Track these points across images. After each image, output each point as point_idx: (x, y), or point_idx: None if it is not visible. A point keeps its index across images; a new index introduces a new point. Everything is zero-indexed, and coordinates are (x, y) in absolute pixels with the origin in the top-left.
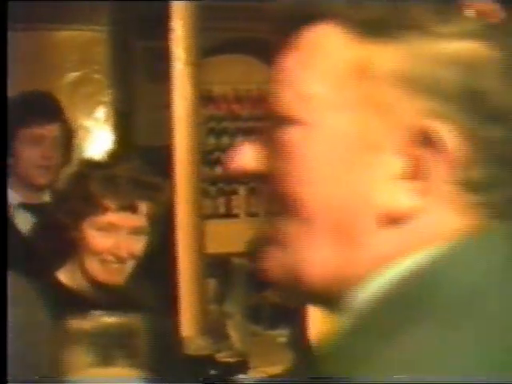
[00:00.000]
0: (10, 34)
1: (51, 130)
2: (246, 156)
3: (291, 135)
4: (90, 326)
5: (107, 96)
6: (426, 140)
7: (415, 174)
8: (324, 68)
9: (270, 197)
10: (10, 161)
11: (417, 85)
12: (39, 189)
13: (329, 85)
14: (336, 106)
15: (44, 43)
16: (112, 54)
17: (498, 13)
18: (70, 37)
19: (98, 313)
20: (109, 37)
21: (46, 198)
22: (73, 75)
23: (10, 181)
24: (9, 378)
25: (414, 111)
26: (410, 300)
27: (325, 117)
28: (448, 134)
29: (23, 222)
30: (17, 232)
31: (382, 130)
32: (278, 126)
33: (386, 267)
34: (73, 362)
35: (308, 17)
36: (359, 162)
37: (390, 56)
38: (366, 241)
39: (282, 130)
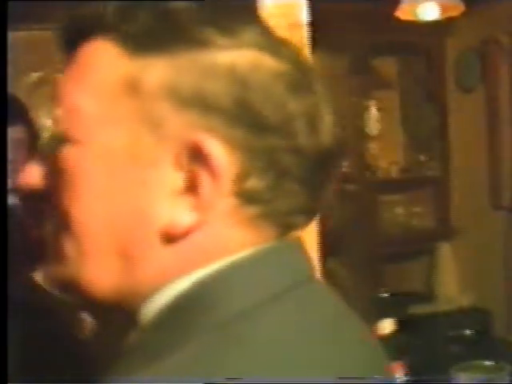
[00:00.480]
0: None
1: (15, 132)
2: (31, 173)
3: (65, 152)
4: None
5: None
6: (196, 154)
7: (190, 188)
8: (94, 84)
9: (51, 214)
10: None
11: (184, 98)
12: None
13: (99, 101)
14: (107, 122)
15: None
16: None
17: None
18: (28, 36)
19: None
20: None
21: (13, 200)
22: (34, 76)
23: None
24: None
25: (182, 125)
26: (183, 321)
27: (96, 133)
28: (216, 147)
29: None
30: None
31: (155, 145)
32: (55, 143)
33: (169, 282)
34: None
35: (84, 31)
36: (135, 179)
37: (158, 70)
38: (148, 257)
39: (59, 147)
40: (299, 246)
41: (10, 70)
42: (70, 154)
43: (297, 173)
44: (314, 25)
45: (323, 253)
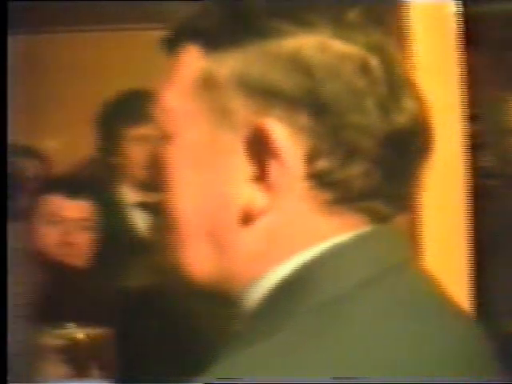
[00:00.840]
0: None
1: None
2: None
3: (162, 149)
4: (62, 342)
5: None
6: (262, 139)
7: (260, 172)
8: (180, 84)
9: (155, 208)
10: (118, 160)
11: (252, 87)
12: (151, 189)
13: (184, 99)
14: (191, 117)
15: (148, 42)
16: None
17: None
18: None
19: (69, 327)
20: None
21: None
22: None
23: (123, 181)
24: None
25: (250, 113)
26: (281, 305)
27: (183, 128)
28: (279, 131)
29: (140, 220)
30: (132, 230)
31: (229, 133)
32: (157, 140)
33: (271, 269)
34: (48, 374)
35: (179, 38)
36: (216, 167)
37: (229, 63)
38: (233, 240)
39: (158, 143)
40: (396, 231)
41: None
42: (164, 150)
43: (367, 152)
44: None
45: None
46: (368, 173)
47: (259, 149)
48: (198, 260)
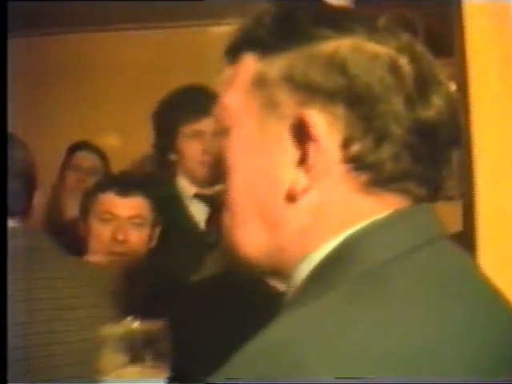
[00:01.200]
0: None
1: (208, 124)
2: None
3: (222, 141)
4: (120, 331)
5: None
6: (303, 127)
7: (302, 156)
8: (238, 85)
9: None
10: (174, 157)
11: (296, 83)
12: (209, 183)
13: (240, 97)
14: (244, 111)
15: (201, 39)
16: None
17: None
18: (228, 31)
19: (128, 319)
20: None
21: (217, 188)
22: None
23: (180, 175)
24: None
25: (294, 105)
26: (328, 274)
27: (239, 121)
28: (318, 120)
29: (198, 211)
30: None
31: (277, 123)
32: (217, 134)
33: (320, 245)
34: (105, 363)
35: (239, 46)
36: (266, 153)
37: (278, 64)
38: (280, 217)
39: (219, 137)
40: (432, 210)
41: (208, 65)
42: (224, 142)
43: (395, 138)
44: None
45: None
46: (397, 157)
47: (301, 136)
48: (252, 238)
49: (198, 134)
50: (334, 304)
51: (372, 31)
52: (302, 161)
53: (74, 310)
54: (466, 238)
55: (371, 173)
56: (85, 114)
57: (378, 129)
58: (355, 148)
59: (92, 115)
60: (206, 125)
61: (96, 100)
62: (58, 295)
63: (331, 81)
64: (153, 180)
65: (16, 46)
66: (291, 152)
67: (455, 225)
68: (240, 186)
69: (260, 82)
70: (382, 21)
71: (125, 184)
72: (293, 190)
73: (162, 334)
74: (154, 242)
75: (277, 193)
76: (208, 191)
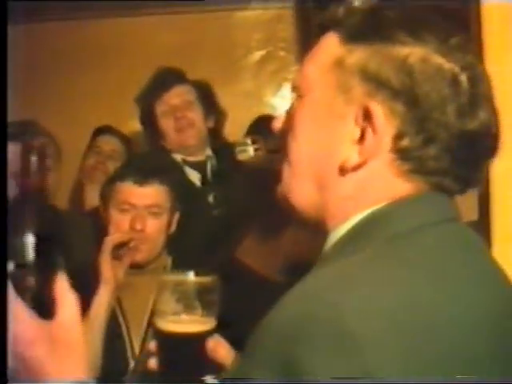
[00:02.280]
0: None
1: (177, 95)
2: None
3: (294, 104)
4: (176, 280)
5: (292, 73)
6: (367, 115)
7: (360, 138)
8: (318, 61)
9: (282, 148)
10: (162, 140)
11: (368, 75)
12: (194, 149)
13: (318, 72)
14: (319, 85)
15: (228, 23)
16: (297, 30)
17: None
18: (254, 16)
19: (184, 272)
20: (293, 13)
21: (204, 155)
22: (258, 54)
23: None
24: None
25: (363, 93)
26: (363, 235)
27: (312, 92)
28: (380, 113)
29: (192, 176)
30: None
31: (344, 105)
32: (292, 98)
33: (351, 209)
34: (162, 307)
35: (326, 26)
36: (329, 127)
37: (357, 54)
38: (331, 184)
39: (293, 101)
40: (450, 198)
41: (235, 48)
42: (296, 105)
43: (441, 141)
44: None
45: None
46: (439, 157)
47: (363, 121)
48: (304, 193)
49: (170, 109)
50: (360, 262)
51: (443, 45)
52: (359, 142)
53: None
54: (481, 227)
55: (414, 164)
56: (109, 100)
57: (428, 131)
58: (404, 143)
59: (116, 101)
60: (175, 95)
61: (120, 85)
62: None
63: (398, 80)
64: (167, 165)
65: (31, 31)
66: (351, 132)
67: (471, 214)
68: (303, 148)
69: (338, 64)
70: (455, 39)
71: (142, 172)
72: (345, 163)
73: (213, 286)
74: (173, 228)
75: (332, 163)
76: (194, 158)
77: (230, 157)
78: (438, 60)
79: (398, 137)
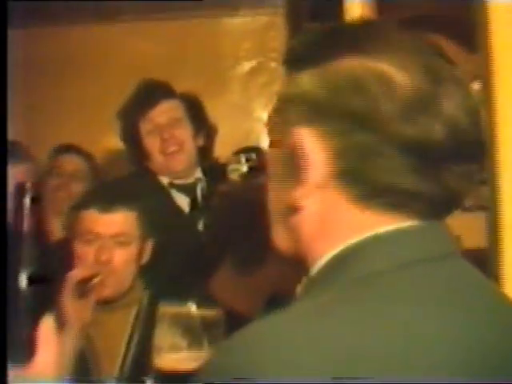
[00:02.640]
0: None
1: (162, 112)
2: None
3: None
4: (179, 315)
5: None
6: (296, 143)
7: (298, 172)
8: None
9: None
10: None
11: (295, 101)
12: (182, 173)
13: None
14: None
15: (215, 31)
16: (289, 39)
17: None
18: (243, 23)
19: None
20: (285, 21)
21: (193, 177)
22: (247, 64)
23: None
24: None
25: (295, 119)
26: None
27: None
28: (309, 138)
29: (180, 200)
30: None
31: (285, 138)
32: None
33: (331, 249)
34: (161, 342)
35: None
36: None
37: (296, 82)
38: (297, 224)
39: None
40: (442, 227)
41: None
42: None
43: (381, 153)
44: None
45: None
46: (389, 170)
47: (297, 152)
48: (282, 237)
49: (156, 129)
50: (322, 304)
51: (393, 54)
52: (299, 176)
53: None
54: (490, 253)
55: (363, 186)
56: (90, 111)
57: (363, 145)
58: (343, 163)
59: (97, 112)
60: (159, 113)
61: (103, 95)
62: None
63: (323, 96)
64: (141, 189)
65: (25, 36)
66: (293, 166)
67: (478, 239)
68: (270, 198)
69: (285, 100)
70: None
71: (108, 198)
72: (293, 202)
73: (219, 320)
74: (145, 258)
75: (289, 203)
76: (183, 181)
77: (222, 177)
78: (373, 65)
79: (335, 157)
